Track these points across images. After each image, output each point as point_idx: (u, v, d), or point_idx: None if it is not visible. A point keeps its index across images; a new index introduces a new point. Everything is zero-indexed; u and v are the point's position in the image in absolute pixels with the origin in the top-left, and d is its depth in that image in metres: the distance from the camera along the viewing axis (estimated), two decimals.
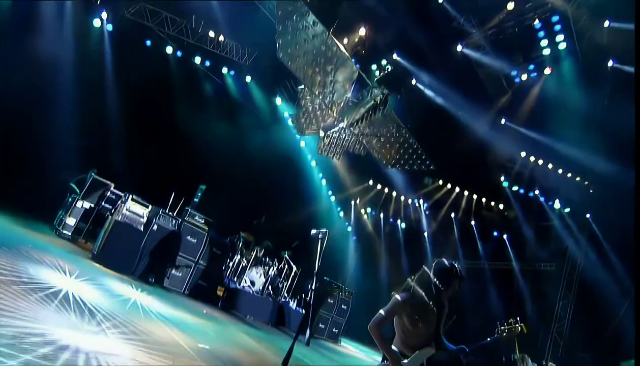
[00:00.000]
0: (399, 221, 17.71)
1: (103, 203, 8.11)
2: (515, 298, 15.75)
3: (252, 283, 10.21)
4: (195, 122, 11.10)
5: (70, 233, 7.87)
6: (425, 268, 3.35)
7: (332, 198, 16.83)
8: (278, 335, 8.84)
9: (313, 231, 3.46)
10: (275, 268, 10.85)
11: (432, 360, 3.15)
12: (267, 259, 10.68)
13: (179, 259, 8.35)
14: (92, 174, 8.07)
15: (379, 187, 16.57)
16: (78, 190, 7.93)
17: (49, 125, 8.44)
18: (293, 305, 11.01)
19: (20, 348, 2.56)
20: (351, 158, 14.69)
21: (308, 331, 2.80)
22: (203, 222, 8.99)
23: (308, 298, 2.73)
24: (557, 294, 14.97)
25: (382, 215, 17.65)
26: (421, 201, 16.56)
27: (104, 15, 10.52)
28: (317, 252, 3.54)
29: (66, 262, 5.63)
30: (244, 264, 10.29)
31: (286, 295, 11.16)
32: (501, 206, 15.46)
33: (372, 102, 11.35)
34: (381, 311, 3.21)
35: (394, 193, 16.65)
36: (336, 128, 12.21)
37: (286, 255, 11.22)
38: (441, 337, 3.30)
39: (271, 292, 10.54)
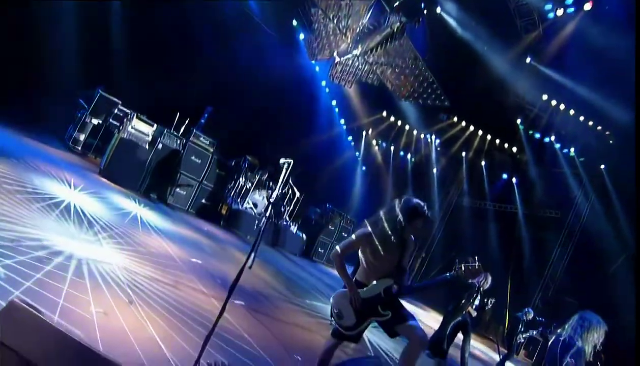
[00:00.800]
0: (409, 155, 17.84)
1: (111, 120, 8.42)
2: (516, 241, 16.19)
3: (255, 205, 10.76)
4: (204, 41, 10.95)
5: (80, 148, 8.31)
6: (391, 205, 3.45)
7: (344, 127, 16.87)
8: (273, 255, 9.53)
9: (281, 160, 3.57)
10: (275, 190, 11.32)
11: (389, 290, 3.33)
12: (271, 183, 11.11)
13: (183, 178, 8.81)
14: (100, 91, 8.30)
15: (392, 119, 16.46)
16: (86, 106, 8.24)
17: (58, 40, 8.51)
18: (294, 229, 11.66)
19: (17, 250, 3.00)
20: (366, 88, 14.49)
21: (253, 255, 3.01)
22: (208, 143, 9.30)
23: (261, 224, 2.87)
24: (557, 241, 15.33)
25: (392, 148, 17.76)
26: (433, 137, 16.46)
27: None
28: (280, 180, 3.66)
29: (73, 175, 6.09)
30: (248, 186, 10.77)
31: (287, 219, 11.77)
32: (514, 149, 15.29)
33: (389, 29, 10.94)
34: (341, 244, 3.46)
35: (407, 127, 16.56)
36: (349, 55, 11.93)
37: (290, 180, 11.62)
38: (403, 271, 3.53)
39: (273, 215, 11.10)
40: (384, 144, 17.99)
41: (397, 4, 10.48)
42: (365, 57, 11.66)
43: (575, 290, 14.46)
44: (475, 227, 16.86)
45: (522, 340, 10.19)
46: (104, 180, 7.28)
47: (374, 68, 12.20)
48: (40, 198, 4.35)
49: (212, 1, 10.44)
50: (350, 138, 17.46)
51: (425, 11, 10.61)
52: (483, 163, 16.24)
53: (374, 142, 17.90)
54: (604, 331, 4.23)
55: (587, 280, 14.10)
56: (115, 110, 8.39)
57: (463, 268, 3.63)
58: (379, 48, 11.30)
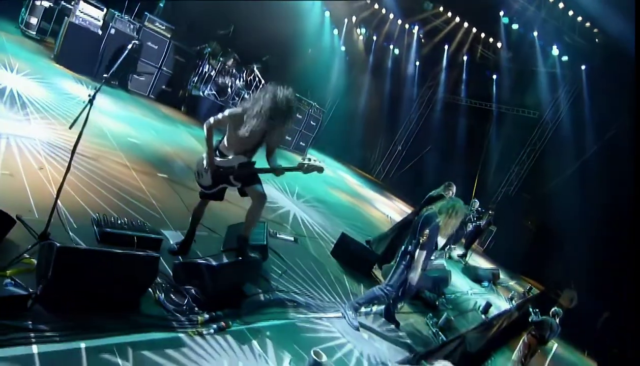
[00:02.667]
0: (391, 46, 17.63)
1: (63, 2, 8.71)
2: (487, 137, 16.84)
3: (218, 92, 11.38)
4: None
5: (35, 33, 8.69)
6: (265, 91, 3.70)
7: (327, 14, 16.47)
8: None
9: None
10: (242, 80, 11.84)
11: (243, 166, 3.92)
12: (234, 70, 11.57)
13: (141, 64, 9.35)
14: None
15: (376, 6, 15.95)
16: None
17: None
18: None
19: None
20: None
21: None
22: (164, 28, 9.63)
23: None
24: (528, 141, 15.97)
25: (375, 37, 17.49)
26: (417, 28, 16.10)
27: None
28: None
29: (20, 60, 6.74)
30: (211, 74, 11.27)
31: None
32: (499, 44, 15.04)
33: None
34: (214, 117, 3.87)
35: (391, 16, 16.11)
36: None
37: (255, 68, 12.06)
38: (269, 152, 4.02)
39: (238, 102, 11.76)
40: (367, 32, 17.66)
41: None
42: None
43: (535, 189, 15.55)
44: (450, 121, 17.43)
45: (472, 228, 11.56)
46: (58, 66, 7.94)
47: None
48: None
49: None
50: (333, 25, 17.14)
51: None
52: (465, 58, 16.12)
53: (357, 30, 17.55)
54: (461, 217, 5.03)
55: (548, 182, 15.08)
56: None
57: (305, 164, 4.09)
58: None
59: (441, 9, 15.02)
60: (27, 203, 3.66)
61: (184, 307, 3.41)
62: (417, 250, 4.85)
